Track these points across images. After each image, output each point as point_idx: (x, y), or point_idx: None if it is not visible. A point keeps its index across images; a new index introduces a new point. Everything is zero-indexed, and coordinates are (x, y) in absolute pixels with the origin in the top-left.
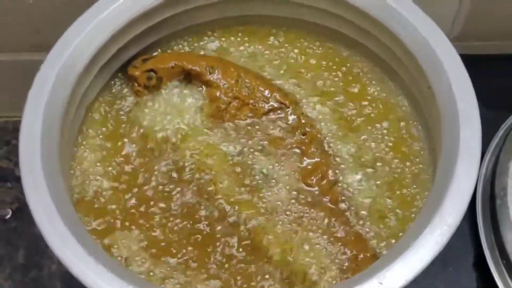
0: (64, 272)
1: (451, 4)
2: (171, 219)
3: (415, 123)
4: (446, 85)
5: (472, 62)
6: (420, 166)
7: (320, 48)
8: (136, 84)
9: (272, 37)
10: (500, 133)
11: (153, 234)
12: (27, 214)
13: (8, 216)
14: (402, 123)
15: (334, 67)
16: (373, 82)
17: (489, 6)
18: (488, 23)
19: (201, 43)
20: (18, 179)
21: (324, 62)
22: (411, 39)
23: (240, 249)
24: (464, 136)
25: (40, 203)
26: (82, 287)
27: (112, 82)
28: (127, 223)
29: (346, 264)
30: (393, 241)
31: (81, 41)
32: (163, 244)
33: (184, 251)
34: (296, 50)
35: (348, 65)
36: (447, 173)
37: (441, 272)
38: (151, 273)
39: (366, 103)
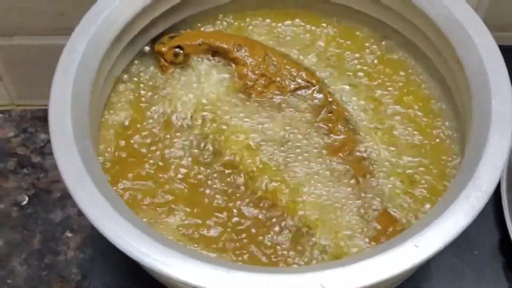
0: (80, 258)
1: None
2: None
3: (440, 102)
4: (476, 58)
5: None
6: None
7: (342, 29)
8: (162, 60)
9: (297, 19)
10: None
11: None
12: (43, 200)
13: (25, 202)
14: (428, 102)
15: (355, 47)
16: (397, 63)
17: None
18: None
19: (227, 22)
20: (34, 166)
21: (347, 43)
22: (439, 14)
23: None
24: (496, 105)
25: (70, 165)
26: (97, 274)
27: (139, 58)
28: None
29: (375, 236)
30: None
31: (111, 13)
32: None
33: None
34: (318, 32)
35: (370, 45)
36: (480, 141)
37: (467, 256)
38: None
39: (390, 83)
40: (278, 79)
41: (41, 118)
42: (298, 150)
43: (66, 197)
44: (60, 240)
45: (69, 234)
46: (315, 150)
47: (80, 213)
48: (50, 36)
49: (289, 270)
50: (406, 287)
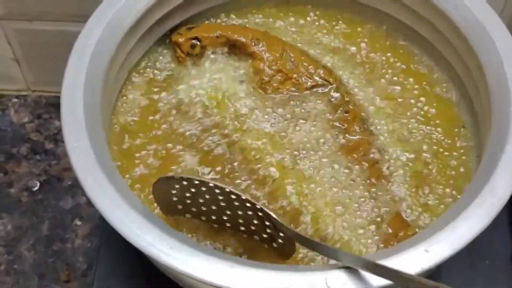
0: (87, 247)
1: None
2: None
3: (459, 106)
4: (497, 63)
5: None
6: (465, 144)
7: (364, 29)
8: (178, 51)
9: (314, 16)
10: None
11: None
12: (54, 187)
13: (36, 188)
14: (446, 106)
15: (378, 46)
16: (416, 64)
17: None
18: None
19: (246, 18)
20: (47, 152)
21: (367, 44)
22: (461, 17)
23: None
24: None
25: (81, 151)
26: (102, 264)
27: (155, 48)
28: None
29: (386, 239)
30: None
31: (128, 1)
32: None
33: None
34: (338, 29)
35: (389, 45)
36: (498, 148)
37: (479, 266)
38: None
39: (409, 85)
40: (295, 75)
41: (56, 105)
42: (314, 147)
43: (77, 185)
44: (68, 228)
45: (78, 223)
46: (329, 149)
47: (90, 202)
48: (70, 23)
49: (295, 268)
50: None
